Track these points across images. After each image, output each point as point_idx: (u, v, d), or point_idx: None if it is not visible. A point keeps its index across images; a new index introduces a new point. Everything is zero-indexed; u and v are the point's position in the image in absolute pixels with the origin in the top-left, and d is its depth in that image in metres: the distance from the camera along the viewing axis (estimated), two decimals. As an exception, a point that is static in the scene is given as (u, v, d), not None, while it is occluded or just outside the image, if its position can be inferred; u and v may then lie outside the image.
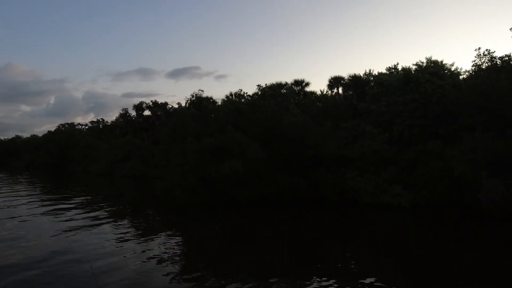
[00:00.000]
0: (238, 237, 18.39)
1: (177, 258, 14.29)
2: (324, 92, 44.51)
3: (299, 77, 44.50)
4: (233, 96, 50.96)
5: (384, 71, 42.53)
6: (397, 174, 26.94)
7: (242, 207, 24.50)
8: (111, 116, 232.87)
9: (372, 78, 43.98)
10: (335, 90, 49.69)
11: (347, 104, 35.27)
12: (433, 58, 33.33)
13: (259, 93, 40.03)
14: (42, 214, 23.51)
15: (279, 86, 42.13)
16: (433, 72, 31.33)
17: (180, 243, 17.38)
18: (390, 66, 42.66)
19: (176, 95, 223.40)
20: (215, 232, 19.70)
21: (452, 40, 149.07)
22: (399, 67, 41.61)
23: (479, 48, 25.33)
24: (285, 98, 32.04)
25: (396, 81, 32.47)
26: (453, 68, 32.61)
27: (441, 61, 33.63)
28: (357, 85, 43.74)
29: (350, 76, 44.96)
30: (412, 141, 28.62)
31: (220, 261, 14.10)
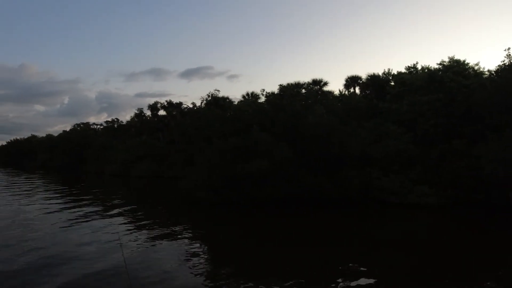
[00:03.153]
0: (262, 237, 18.19)
1: (199, 257, 14.15)
2: (343, 92, 44.41)
3: (311, 76, 44.68)
4: (250, 96, 51.09)
5: (403, 70, 42.27)
6: (422, 173, 26.68)
7: (266, 206, 24.41)
8: (123, 116, 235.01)
9: (391, 78, 43.76)
10: (352, 90, 49.54)
11: (368, 103, 35.04)
12: (449, 57, 33.26)
13: (278, 92, 40.03)
14: (54, 213, 23.28)
15: (297, 85, 42.08)
16: (457, 71, 31.04)
17: (203, 242, 17.25)
18: (410, 66, 42.41)
19: (188, 95, 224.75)
20: (239, 231, 19.59)
21: (469, 39, 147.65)
22: (419, 66, 41.35)
23: (509, 48, 25.04)
24: (306, 97, 31.87)
25: (420, 80, 32.18)
26: (476, 68, 32.38)
27: (464, 61, 33.39)
28: (375, 84, 43.51)
29: (368, 76, 44.74)
30: (437, 140, 28.33)
31: (243, 261, 13.95)
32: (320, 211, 23.94)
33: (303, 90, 40.66)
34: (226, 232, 19.44)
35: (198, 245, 16.25)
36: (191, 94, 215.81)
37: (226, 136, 26.72)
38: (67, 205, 26.18)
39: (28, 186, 40.06)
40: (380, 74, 44.57)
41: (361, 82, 48.13)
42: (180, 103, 71.80)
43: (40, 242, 15.53)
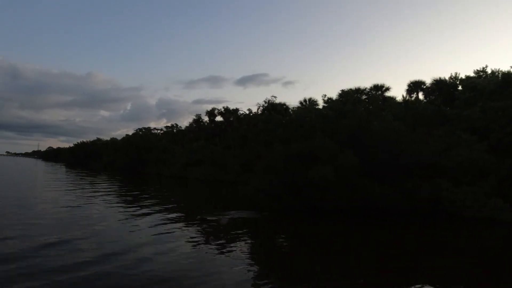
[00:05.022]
0: (323, 246, 17.61)
1: (252, 262, 13.79)
2: (406, 98, 42.77)
3: (369, 82, 43.44)
4: (307, 102, 50.68)
5: (470, 74, 39.98)
6: (497, 185, 24.88)
7: (328, 215, 23.86)
8: (181, 122, 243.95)
9: (458, 82, 41.55)
10: (415, 95, 47.65)
11: (434, 109, 33.36)
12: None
13: (338, 98, 39.34)
14: (114, 210, 23.86)
15: (357, 91, 41.08)
16: (535, 75, 28.80)
17: (258, 248, 16.92)
18: (479, 69, 40.07)
19: (244, 101, 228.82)
20: (297, 239, 19.14)
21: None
22: (488, 70, 38.89)
23: None
24: (368, 103, 30.94)
25: (492, 84, 30.19)
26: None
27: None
28: (442, 89, 41.51)
29: (433, 80, 42.79)
30: (512, 150, 26.33)
31: (300, 270, 13.38)
32: (385, 223, 23.04)
33: (364, 96, 39.64)
34: (284, 240, 19.13)
35: (251, 251, 16.00)
36: (247, 101, 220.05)
37: (286, 141, 26.52)
38: (125, 205, 27.18)
39: (101, 187, 42.21)
40: (447, 78, 42.51)
41: (425, 87, 46.16)
42: (237, 109, 72.91)
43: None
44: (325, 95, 39.10)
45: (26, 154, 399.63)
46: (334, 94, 44.15)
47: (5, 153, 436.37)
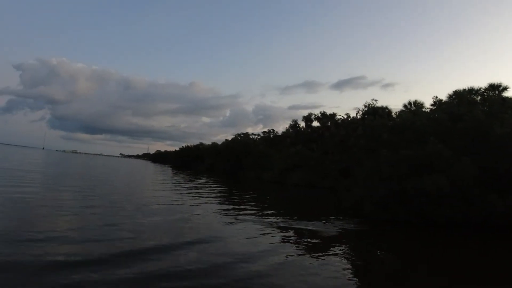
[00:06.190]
0: (436, 263, 16.06)
1: (355, 276, 12.92)
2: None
3: (480, 81, 39.03)
4: (412, 105, 47.73)
5: None
6: None
7: (441, 227, 22.00)
8: (277, 127, 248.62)
9: None
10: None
11: None
12: None
13: (448, 100, 36.32)
14: (218, 214, 24.35)
15: (470, 91, 37.41)
16: None
17: (363, 260, 15.94)
18: None
19: (340, 106, 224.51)
20: (408, 252, 17.79)
21: None
22: None
23: None
24: (485, 105, 27.94)
25: None
26: None
27: None
28: None
29: None
30: None
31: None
32: (507, 239, 20.52)
33: (479, 97, 35.95)
34: (395, 253, 17.97)
35: (359, 264, 15.18)
36: (343, 105, 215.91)
37: (391, 147, 25.12)
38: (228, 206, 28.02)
39: (206, 189, 44.49)
40: None
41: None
42: (334, 114, 71.73)
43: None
44: (436, 97, 36.31)
45: (137, 156, 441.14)
46: (441, 96, 40.84)
47: (119, 155, 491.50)
